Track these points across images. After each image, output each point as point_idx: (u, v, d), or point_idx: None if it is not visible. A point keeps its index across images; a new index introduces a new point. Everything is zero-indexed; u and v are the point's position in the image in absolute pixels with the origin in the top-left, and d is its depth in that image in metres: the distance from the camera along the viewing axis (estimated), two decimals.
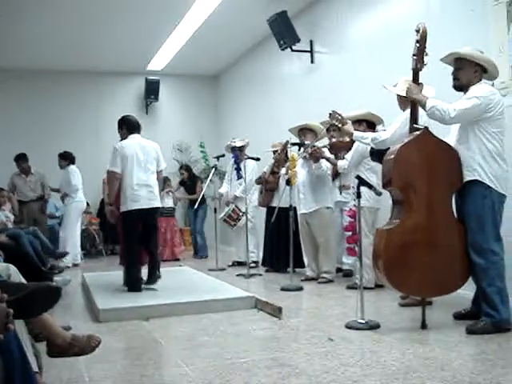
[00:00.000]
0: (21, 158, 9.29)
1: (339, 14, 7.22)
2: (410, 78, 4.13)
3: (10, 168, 9.43)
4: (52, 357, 2.83)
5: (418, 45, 3.98)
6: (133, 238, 5.73)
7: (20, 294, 2.25)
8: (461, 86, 4.06)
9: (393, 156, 4.04)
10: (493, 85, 4.18)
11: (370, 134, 4.70)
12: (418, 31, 3.99)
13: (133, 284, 5.65)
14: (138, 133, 5.91)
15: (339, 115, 4.87)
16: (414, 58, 4.00)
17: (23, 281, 2.69)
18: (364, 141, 4.70)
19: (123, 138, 5.90)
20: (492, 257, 3.87)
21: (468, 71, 4.01)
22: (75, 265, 8.87)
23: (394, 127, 4.51)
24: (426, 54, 3.98)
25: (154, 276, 5.79)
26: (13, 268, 2.68)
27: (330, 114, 4.89)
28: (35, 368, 2.48)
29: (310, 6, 7.86)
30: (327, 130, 6.05)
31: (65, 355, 2.83)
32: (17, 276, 2.66)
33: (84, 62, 10.44)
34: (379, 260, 4.03)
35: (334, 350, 3.56)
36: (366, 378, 2.99)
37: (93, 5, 7.61)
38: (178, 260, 9.22)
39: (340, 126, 4.82)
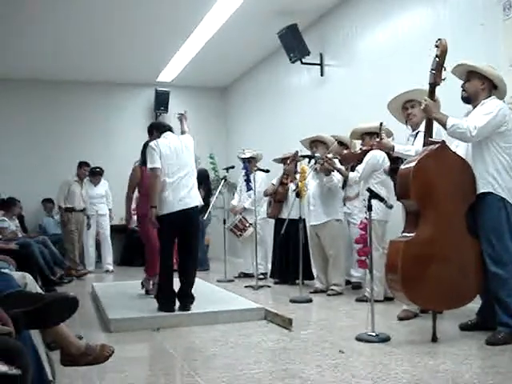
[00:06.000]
0: (83, 165, 9.24)
1: (349, 28, 7.27)
2: None
3: (12, 180, 9.67)
4: (65, 365, 2.85)
5: (437, 59, 3.97)
6: (168, 246, 5.18)
7: (37, 304, 2.28)
8: (467, 98, 4.13)
9: (411, 168, 4.02)
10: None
11: (411, 147, 4.61)
12: (437, 46, 3.99)
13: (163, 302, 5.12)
14: (171, 131, 5.39)
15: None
16: (433, 72, 3.99)
17: (39, 290, 2.72)
18: (408, 153, 4.59)
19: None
20: None
21: (475, 83, 4.08)
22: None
23: None
24: (445, 69, 3.99)
25: (185, 298, 5.13)
26: (29, 277, 2.71)
27: (381, 123, 4.88)
28: (50, 377, 2.51)
29: (320, 19, 7.92)
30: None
31: (78, 364, 2.85)
32: (33, 285, 2.69)
33: (94, 73, 10.51)
34: (395, 272, 3.99)
35: (345, 362, 3.57)
36: None
37: (104, 16, 7.69)
38: None
39: (382, 138, 4.81)
